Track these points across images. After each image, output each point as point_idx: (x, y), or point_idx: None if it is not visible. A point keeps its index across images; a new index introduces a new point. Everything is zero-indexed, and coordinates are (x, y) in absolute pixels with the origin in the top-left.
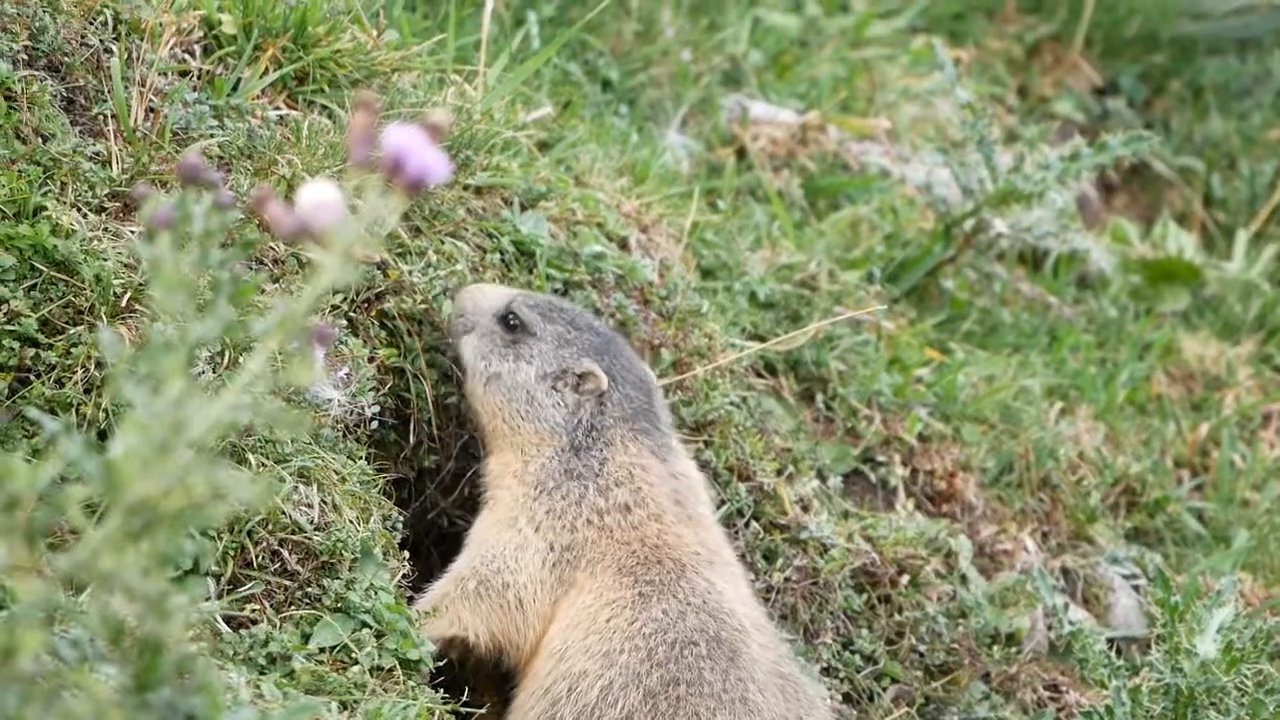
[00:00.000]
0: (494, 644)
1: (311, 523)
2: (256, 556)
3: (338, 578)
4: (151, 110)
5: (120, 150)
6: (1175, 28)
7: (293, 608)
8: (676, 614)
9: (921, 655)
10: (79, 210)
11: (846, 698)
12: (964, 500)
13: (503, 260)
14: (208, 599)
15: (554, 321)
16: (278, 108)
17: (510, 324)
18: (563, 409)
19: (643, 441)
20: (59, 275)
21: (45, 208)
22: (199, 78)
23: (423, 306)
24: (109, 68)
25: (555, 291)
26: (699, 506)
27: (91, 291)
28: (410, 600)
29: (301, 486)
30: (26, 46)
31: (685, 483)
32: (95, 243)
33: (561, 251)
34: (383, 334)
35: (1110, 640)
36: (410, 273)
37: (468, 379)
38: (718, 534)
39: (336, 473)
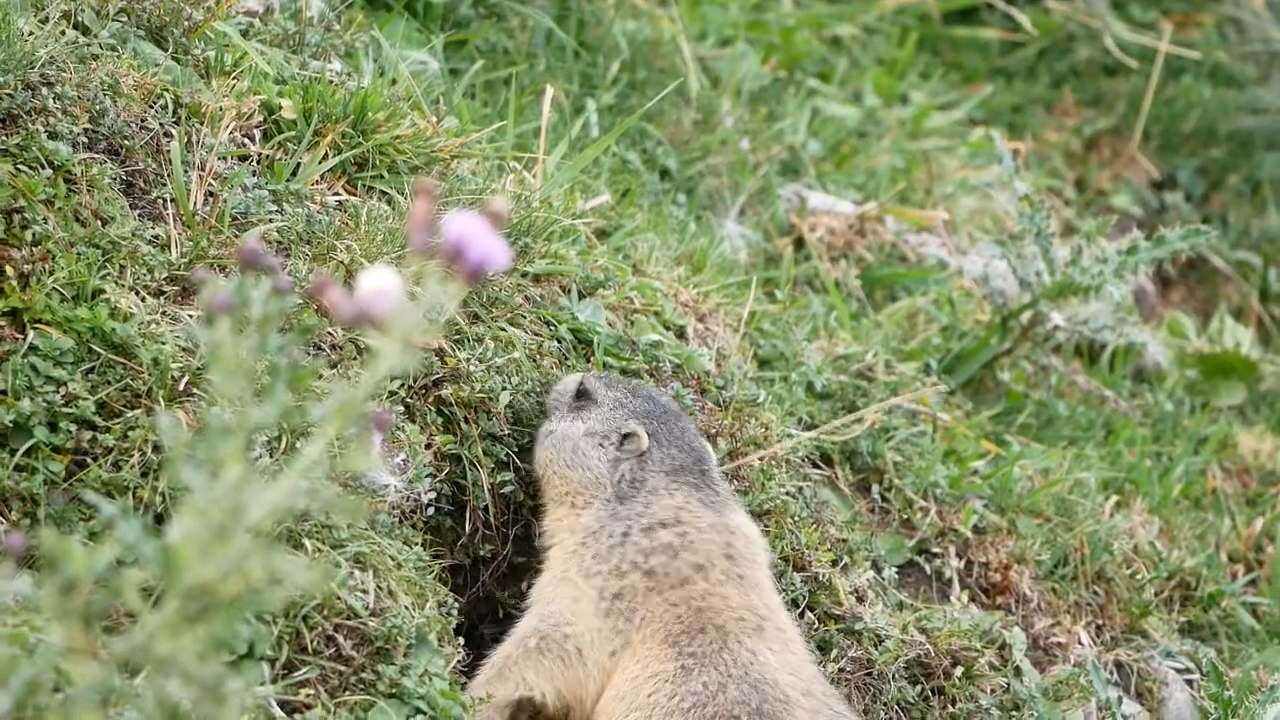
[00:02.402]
0: (560, 701)
1: (367, 608)
2: (311, 642)
3: (392, 664)
4: (211, 194)
5: (179, 234)
6: (1233, 122)
7: (347, 693)
8: (716, 686)
9: None
10: (137, 294)
11: None
12: (1018, 593)
13: (560, 348)
14: (262, 684)
15: (615, 389)
16: (337, 193)
17: (580, 395)
18: (604, 462)
19: (689, 492)
20: (117, 358)
21: (104, 291)
22: (258, 162)
23: (480, 394)
24: (169, 151)
25: None
26: (751, 568)
27: (149, 375)
28: (463, 687)
29: (357, 572)
30: (87, 129)
31: (740, 537)
32: (153, 326)
33: (619, 340)
34: (439, 421)
35: None
36: (468, 360)
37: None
38: (770, 596)
39: (392, 558)
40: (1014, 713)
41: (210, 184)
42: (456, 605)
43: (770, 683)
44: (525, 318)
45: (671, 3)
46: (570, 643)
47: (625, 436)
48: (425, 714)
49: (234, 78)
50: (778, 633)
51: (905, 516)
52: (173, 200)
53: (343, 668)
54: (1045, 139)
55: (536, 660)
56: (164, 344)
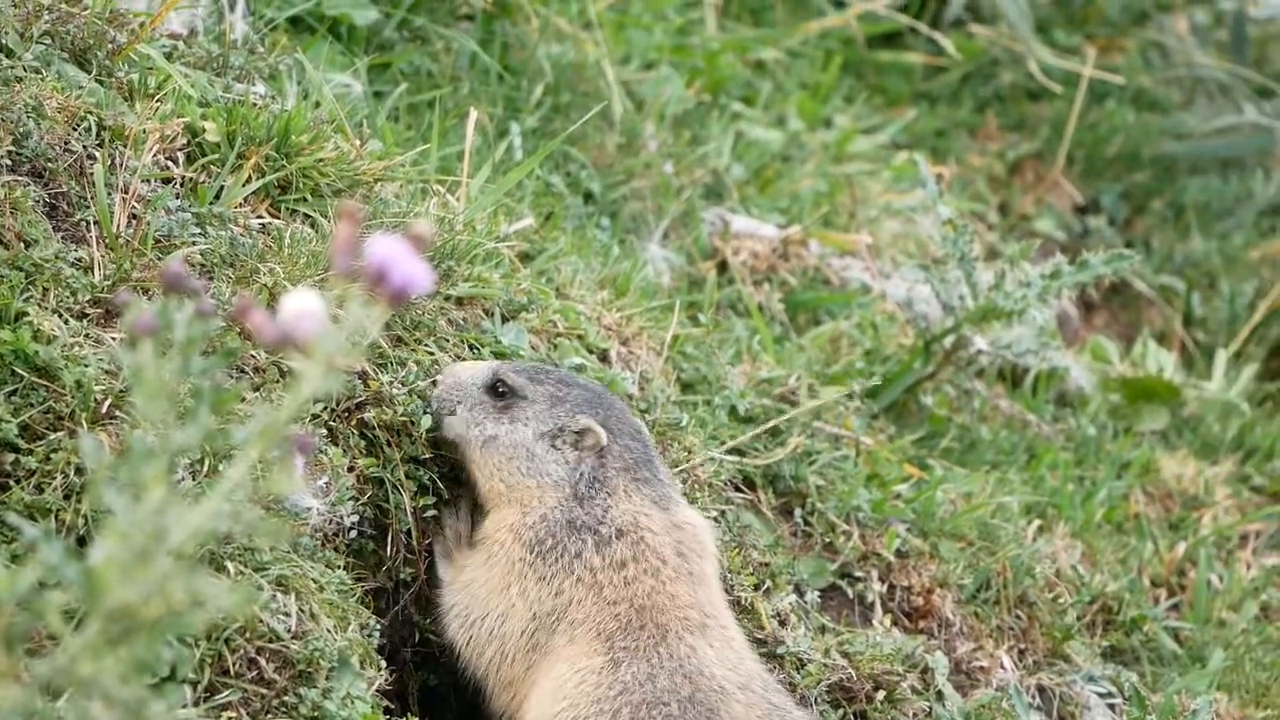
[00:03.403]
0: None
1: (289, 631)
2: (234, 664)
3: (315, 686)
4: (134, 217)
5: (102, 257)
6: (1157, 147)
7: (270, 716)
8: (646, 676)
9: None
10: (60, 316)
11: None
12: (941, 617)
13: None
14: (185, 706)
15: (542, 382)
16: (260, 216)
17: (499, 392)
18: (564, 465)
19: (644, 492)
20: (39, 381)
21: (27, 313)
22: (182, 185)
23: (403, 417)
24: (92, 174)
25: None
26: (700, 561)
27: (72, 398)
28: (387, 711)
29: (279, 595)
30: (10, 152)
31: (689, 532)
32: (76, 349)
33: (542, 363)
34: (362, 444)
35: None
36: (390, 383)
37: (464, 449)
38: (716, 592)
39: (315, 581)
40: None
41: (134, 207)
42: (379, 628)
43: (706, 675)
44: (448, 341)
45: (595, 26)
46: (492, 647)
47: (579, 433)
48: None
49: (158, 100)
50: (720, 630)
51: (828, 540)
52: (96, 223)
53: (265, 690)
54: (969, 163)
55: (465, 629)
56: (87, 366)
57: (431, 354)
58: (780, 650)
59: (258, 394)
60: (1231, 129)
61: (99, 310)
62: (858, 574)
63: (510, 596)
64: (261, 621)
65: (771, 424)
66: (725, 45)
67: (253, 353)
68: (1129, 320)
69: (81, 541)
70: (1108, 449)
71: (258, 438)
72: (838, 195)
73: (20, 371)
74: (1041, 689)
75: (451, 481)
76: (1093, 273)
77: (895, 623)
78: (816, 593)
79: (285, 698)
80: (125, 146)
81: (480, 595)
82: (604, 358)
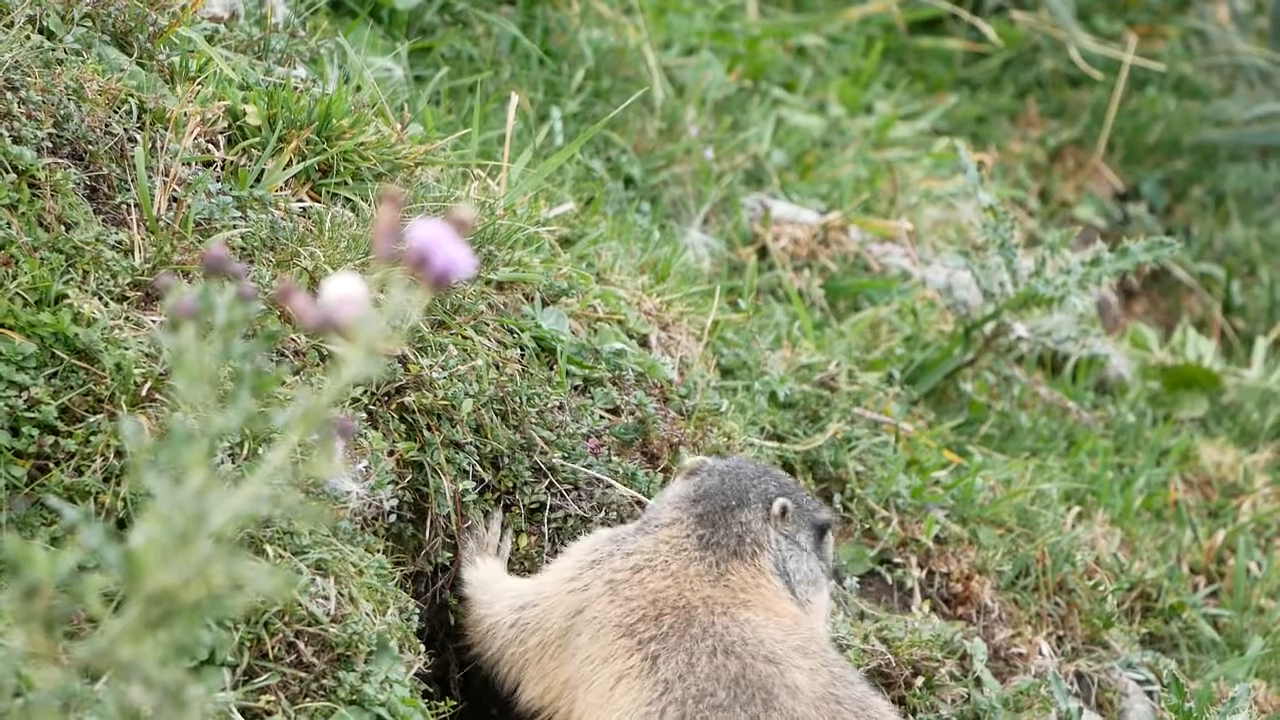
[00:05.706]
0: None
1: (328, 615)
2: (272, 648)
3: (353, 670)
4: (174, 200)
5: (143, 240)
6: (1197, 134)
7: (308, 700)
8: (685, 667)
9: None
10: (100, 299)
11: None
12: (980, 603)
13: (523, 356)
14: (223, 690)
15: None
16: (301, 200)
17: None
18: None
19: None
20: (79, 363)
21: (67, 296)
22: (223, 168)
23: (443, 401)
24: (133, 157)
25: (574, 389)
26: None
27: (112, 380)
28: (426, 695)
29: (319, 578)
30: (51, 134)
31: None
32: (116, 331)
33: (582, 348)
34: (402, 428)
35: None
36: (431, 367)
37: None
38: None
39: (354, 565)
40: None
41: (174, 190)
42: (418, 612)
43: (752, 641)
44: (488, 325)
45: (637, 11)
46: (535, 637)
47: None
48: None
49: (199, 83)
50: (762, 604)
51: (867, 526)
52: (136, 206)
53: (304, 674)
54: (1009, 150)
55: (511, 609)
56: (127, 349)
57: (469, 338)
58: None
59: (298, 378)
60: (1272, 116)
61: (139, 293)
62: (897, 560)
63: (560, 590)
64: (300, 605)
65: (824, 427)
66: (766, 31)
67: (293, 336)
68: (1169, 307)
69: (121, 524)
70: (1147, 436)
71: (298, 421)
72: (878, 181)
73: (60, 354)
74: (1080, 676)
75: (491, 466)
76: (1133, 260)
77: (934, 609)
78: (856, 579)
79: (324, 681)
80: (166, 130)
81: (539, 584)
82: (644, 343)
